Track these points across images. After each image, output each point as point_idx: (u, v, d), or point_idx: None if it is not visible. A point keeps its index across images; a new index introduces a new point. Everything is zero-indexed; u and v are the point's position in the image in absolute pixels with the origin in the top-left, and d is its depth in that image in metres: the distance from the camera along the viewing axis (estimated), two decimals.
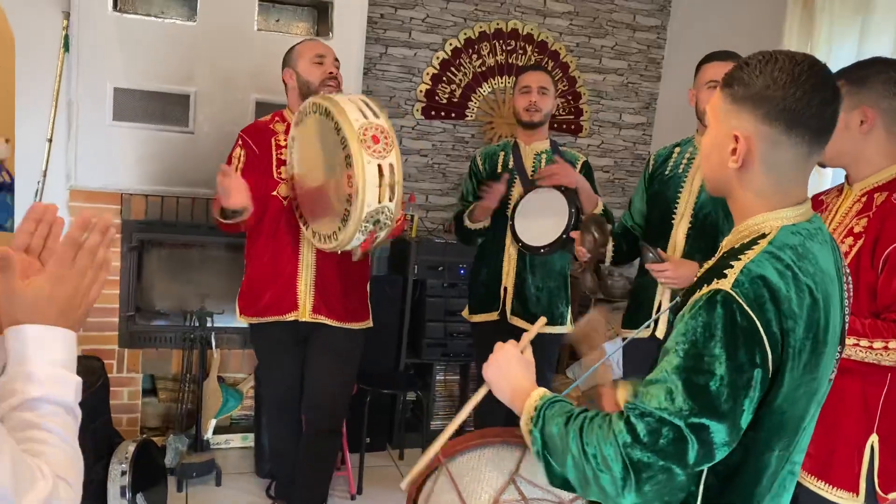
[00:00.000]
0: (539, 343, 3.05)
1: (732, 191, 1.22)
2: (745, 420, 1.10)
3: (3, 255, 0.86)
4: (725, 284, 1.09)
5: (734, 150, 1.17)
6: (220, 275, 3.43)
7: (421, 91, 4.00)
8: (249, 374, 3.51)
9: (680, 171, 2.47)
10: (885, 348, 1.70)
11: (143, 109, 3.07)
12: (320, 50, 2.52)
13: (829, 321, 1.16)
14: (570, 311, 3.03)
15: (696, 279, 1.22)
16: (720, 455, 1.12)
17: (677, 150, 2.53)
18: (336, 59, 2.56)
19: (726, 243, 1.25)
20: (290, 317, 2.58)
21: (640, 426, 1.10)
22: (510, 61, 4.12)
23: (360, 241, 2.18)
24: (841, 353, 1.27)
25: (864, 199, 1.83)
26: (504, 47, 4.10)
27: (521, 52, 4.13)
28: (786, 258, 1.13)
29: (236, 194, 2.26)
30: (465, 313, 3.16)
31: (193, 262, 3.40)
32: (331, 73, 2.49)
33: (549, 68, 4.15)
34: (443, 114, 4.06)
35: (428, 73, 3.99)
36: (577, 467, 1.14)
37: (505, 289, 2.98)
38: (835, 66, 2.99)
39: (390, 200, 2.10)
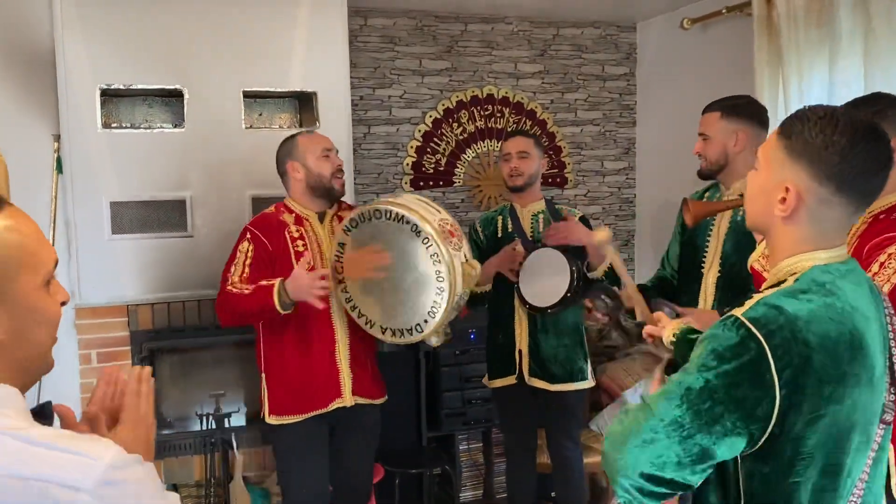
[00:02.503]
0: (563, 403, 3.04)
1: (772, 232, 1.27)
2: (735, 437, 1.15)
3: (94, 415, 1.14)
4: (739, 311, 1.17)
5: (783, 200, 1.21)
6: (233, 373, 3.41)
7: (407, 164, 4.06)
8: (272, 473, 3.45)
9: (706, 220, 2.48)
10: None
11: (141, 220, 3.09)
12: (327, 144, 2.56)
13: (855, 357, 1.17)
14: (589, 365, 3.03)
15: None
16: (714, 457, 1.17)
17: (707, 193, 2.56)
18: (337, 151, 2.60)
19: (764, 286, 1.29)
20: (334, 405, 2.51)
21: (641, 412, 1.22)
22: (490, 125, 4.21)
23: (443, 328, 2.34)
24: (895, 395, 1.28)
25: (870, 220, 1.89)
26: (482, 112, 4.19)
27: (499, 115, 4.22)
28: (810, 292, 1.18)
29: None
30: (485, 380, 3.16)
31: (205, 363, 3.38)
32: (339, 165, 2.55)
33: (528, 126, 4.25)
34: (431, 183, 4.12)
35: (412, 146, 4.06)
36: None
37: (520, 351, 2.98)
38: (809, 95, 3.11)
39: (469, 286, 2.27)
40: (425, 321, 2.29)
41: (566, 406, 3.00)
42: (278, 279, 2.31)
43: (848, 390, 1.16)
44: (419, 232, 2.20)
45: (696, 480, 1.19)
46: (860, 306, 1.21)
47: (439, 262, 2.19)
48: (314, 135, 2.63)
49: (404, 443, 3.56)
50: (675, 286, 2.65)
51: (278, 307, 2.28)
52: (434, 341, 2.41)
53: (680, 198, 2.55)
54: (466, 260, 2.28)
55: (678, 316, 2.32)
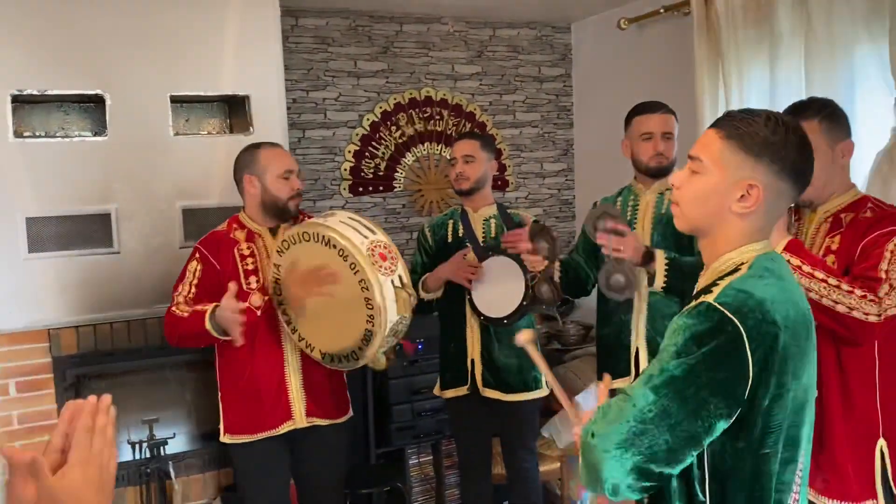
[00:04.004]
0: (519, 413, 2.97)
1: (719, 228, 1.31)
2: (720, 420, 1.19)
3: (32, 460, 0.92)
4: (709, 298, 1.22)
5: (742, 197, 1.27)
6: (168, 396, 3.19)
7: (345, 169, 3.92)
8: (213, 500, 3.25)
9: (627, 217, 2.54)
10: (838, 287, 1.74)
11: (61, 236, 2.84)
12: (290, 165, 2.45)
13: (809, 335, 1.29)
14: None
15: None
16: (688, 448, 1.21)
17: (619, 199, 2.63)
18: (299, 172, 2.51)
19: (702, 281, 1.34)
20: (285, 428, 2.43)
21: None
22: (429, 128, 4.11)
23: (382, 353, 2.25)
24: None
25: (830, 220, 1.96)
26: (421, 115, 4.08)
27: (438, 117, 4.13)
28: (767, 277, 1.26)
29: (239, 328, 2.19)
30: (436, 390, 3.05)
31: (137, 388, 3.15)
32: (298, 189, 2.45)
33: (467, 129, 4.16)
34: (371, 188, 3.99)
35: (350, 151, 3.92)
36: None
37: (472, 361, 2.89)
38: (749, 95, 3.13)
39: (406, 311, 2.18)
40: (360, 349, 2.23)
41: (522, 416, 2.92)
42: (212, 304, 2.25)
43: (805, 366, 1.27)
44: (346, 257, 2.13)
45: (679, 469, 1.23)
46: (797, 289, 1.32)
47: (366, 288, 2.12)
48: (278, 151, 2.49)
49: (352, 462, 3.41)
50: (577, 268, 2.70)
51: (213, 332, 2.24)
52: (381, 365, 2.38)
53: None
54: (402, 284, 2.21)
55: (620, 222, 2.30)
